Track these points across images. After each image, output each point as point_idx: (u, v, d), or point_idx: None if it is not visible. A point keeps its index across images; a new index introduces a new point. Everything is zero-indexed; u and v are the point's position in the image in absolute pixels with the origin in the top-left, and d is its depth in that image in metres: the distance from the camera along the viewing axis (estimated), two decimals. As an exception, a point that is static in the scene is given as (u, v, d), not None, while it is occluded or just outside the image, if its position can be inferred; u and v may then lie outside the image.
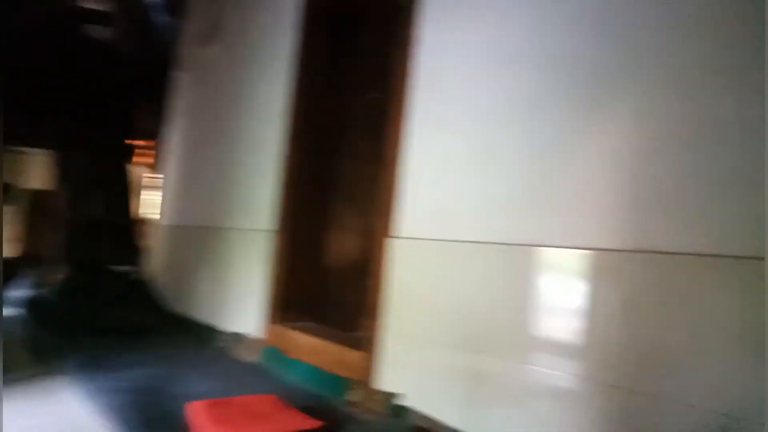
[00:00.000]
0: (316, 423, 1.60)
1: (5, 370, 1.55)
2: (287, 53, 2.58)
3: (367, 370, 1.88)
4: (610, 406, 1.21)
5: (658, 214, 1.18)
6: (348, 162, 2.64)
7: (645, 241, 1.19)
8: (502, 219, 1.53)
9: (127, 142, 4.66)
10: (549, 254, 1.39)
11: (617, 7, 1.34)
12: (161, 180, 4.00)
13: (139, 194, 5.21)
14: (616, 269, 1.25)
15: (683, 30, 1.20)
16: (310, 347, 2.19)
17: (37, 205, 5.80)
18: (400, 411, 1.71)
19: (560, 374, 1.31)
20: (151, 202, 4.79)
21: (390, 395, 1.76)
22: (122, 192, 4.39)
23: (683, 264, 1.12)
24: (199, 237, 3.17)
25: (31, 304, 3.04)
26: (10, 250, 5.27)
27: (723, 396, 1.03)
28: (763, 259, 1.00)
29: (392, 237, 1.89)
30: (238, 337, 2.59)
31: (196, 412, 1.60)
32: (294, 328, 2.33)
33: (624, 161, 1.27)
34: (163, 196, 3.86)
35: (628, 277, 1.22)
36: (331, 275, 2.61)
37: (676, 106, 1.18)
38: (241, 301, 2.65)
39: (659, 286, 1.16)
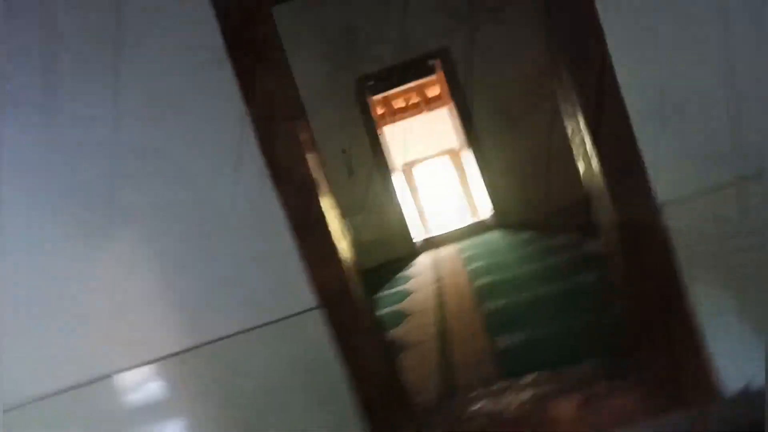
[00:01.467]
0: None
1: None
2: None
3: None
4: None
5: (203, 309, 1.29)
6: None
7: (198, 337, 1.28)
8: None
9: None
10: (124, 378, 1.32)
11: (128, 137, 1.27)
12: None
13: None
14: (182, 370, 1.30)
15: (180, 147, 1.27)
16: None
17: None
18: None
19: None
20: None
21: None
22: None
23: (237, 342, 1.28)
24: None
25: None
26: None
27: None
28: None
29: None
30: None
31: None
32: None
33: (160, 271, 1.29)
34: None
35: (196, 372, 1.30)
36: None
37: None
38: None
39: (227, 371, 1.29)
